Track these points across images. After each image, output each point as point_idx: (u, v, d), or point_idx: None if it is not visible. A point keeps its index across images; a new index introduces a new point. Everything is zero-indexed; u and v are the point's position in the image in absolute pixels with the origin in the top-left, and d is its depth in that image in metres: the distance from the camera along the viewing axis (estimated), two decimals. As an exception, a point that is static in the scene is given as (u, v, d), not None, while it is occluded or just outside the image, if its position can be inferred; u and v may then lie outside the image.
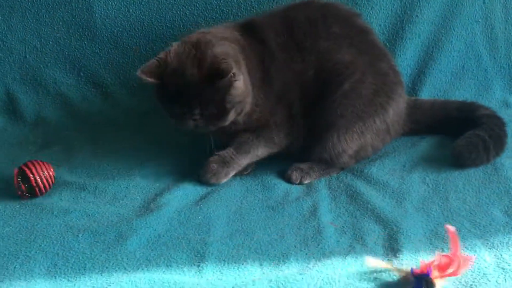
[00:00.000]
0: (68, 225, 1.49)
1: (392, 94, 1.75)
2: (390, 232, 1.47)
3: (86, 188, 1.64)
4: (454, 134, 1.80)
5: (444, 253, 1.30)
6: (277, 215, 1.54)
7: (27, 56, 2.06)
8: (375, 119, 1.73)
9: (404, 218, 1.52)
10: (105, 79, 2.07)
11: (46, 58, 2.06)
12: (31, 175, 1.56)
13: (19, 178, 1.57)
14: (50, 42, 2.06)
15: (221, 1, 2.03)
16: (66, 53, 2.06)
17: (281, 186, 1.67)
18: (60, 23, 2.05)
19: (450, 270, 1.27)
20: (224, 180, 1.67)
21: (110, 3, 2.04)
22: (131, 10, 2.04)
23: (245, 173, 1.73)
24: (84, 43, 2.06)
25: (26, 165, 1.59)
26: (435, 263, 1.27)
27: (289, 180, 1.69)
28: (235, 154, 1.68)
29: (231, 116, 1.59)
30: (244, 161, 1.69)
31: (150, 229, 1.47)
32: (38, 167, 1.58)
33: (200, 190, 1.65)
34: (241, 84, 1.57)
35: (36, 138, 1.90)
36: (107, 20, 2.05)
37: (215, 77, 1.51)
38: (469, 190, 1.62)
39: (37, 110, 2.02)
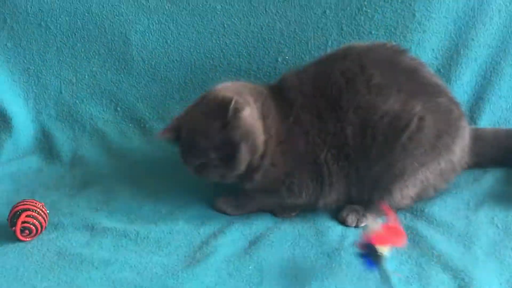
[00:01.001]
0: (110, 279, 1.38)
1: (457, 131, 1.59)
2: (461, 283, 1.34)
3: (127, 235, 1.54)
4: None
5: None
6: (334, 264, 1.42)
7: (63, 92, 1.98)
8: (440, 161, 1.57)
9: (475, 266, 1.39)
10: (143, 114, 1.98)
11: (81, 93, 1.98)
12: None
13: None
14: (86, 76, 1.98)
15: (263, 29, 1.93)
16: (103, 87, 1.98)
17: (336, 229, 1.55)
18: (96, 56, 1.97)
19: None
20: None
21: (147, 34, 1.95)
22: (169, 42, 1.96)
23: (293, 214, 1.61)
24: (121, 76, 1.98)
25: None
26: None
27: (344, 223, 1.57)
28: None
29: (245, 154, 1.48)
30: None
31: (198, 281, 1.37)
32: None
33: (249, 235, 1.54)
34: (248, 114, 1.49)
35: (73, 179, 1.80)
36: (144, 52, 1.96)
37: (218, 111, 1.46)
38: (545, 232, 1.48)
39: (73, 148, 1.93)
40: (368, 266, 1.32)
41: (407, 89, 1.55)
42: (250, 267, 1.41)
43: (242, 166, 1.50)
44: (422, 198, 1.62)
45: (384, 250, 1.31)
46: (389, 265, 1.39)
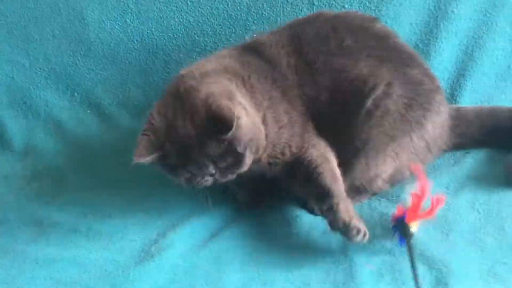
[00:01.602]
0: (54, 278, 1.27)
1: (429, 105, 1.48)
2: (438, 275, 1.23)
3: (78, 230, 1.42)
4: (505, 147, 1.54)
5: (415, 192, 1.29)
6: (300, 257, 1.31)
7: (15, 77, 1.84)
8: (412, 136, 1.46)
9: (453, 255, 1.28)
10: (102, 99, 1.85)
11: (35, 77, 1.84)
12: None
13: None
14: (40, 60, 1.84)
15: (229, 6, 1.80)
16: (58, 71, 1.84)
17: (304, 218, 1.44)
18: (50, 38, 1.83)
19: (422, 210, 1.29)
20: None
21: (105, 13, 1.81)
22: (128, 21, 1.82)
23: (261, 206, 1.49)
24: (78, 59, 1.84)
25: None
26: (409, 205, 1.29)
27: (313, 212, 1.45)
28: None
29: (249, 159, 1.31)
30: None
31: (150, 280, 1.25)
32: None
33: (211, 226, 1.42)
34: (246, 120, 1.29)
35: (25, 170, 1.68)
36: (102, 32, 1.82)
37: (215, 126, 1.23)
38: (529, 216, 1.36)
39: (26, 137, 1.80)
40: (399, 241, 1.29)
41: (377, 55, 1.45)
42: (208, 263, 1.31)
43: (245, 168, 1.33)
44: (397, 180, 1.50)
45: (415, 226, 1.28)
46: (360, 256, 1.30)
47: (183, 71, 1.43)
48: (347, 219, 1.29)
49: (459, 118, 1.59)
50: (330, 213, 1.32)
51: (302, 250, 1.33)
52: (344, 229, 1.28)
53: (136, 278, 1.25)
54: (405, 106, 1.44)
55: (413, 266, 1.22)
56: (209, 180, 1.31)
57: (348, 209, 1.32)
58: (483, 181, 1.50)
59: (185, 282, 1.25)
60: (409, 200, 1.30)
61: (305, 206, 1.47)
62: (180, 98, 1.30)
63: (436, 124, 1.50)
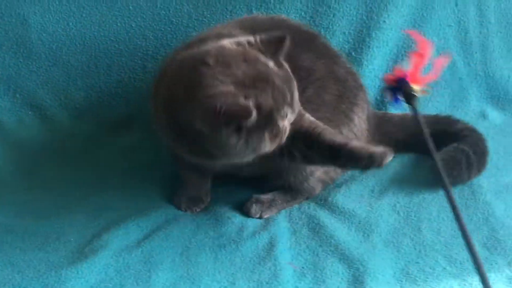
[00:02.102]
0: (-14, 278, 1.29)
1: (355, 99, 1.58)
2: (355, 273, 1.31)
3: (14, 231, 1.45)
4: (428, 152, 1.63)
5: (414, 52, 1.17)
6: (228, 256, 1.37)
7: (-47, 78, 1.86)
8: (342, 130, 1.55)
9: (371, 255, 1.35)
10: (43, 101, 1.87)
11: (-25, 79, 1.86)
12: None
13: None
14: (-20, 61, 1.86)
15: (170, 12, 1.84)
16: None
17: (236, 220, 1.49)
18: (-9, 39, 1.85)
19: (424, 72, 1.16)
20: None
21: (47, 16, 1.84)
22: (70, 24, 1.85)
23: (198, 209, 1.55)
24: (19, 60, 1.86)
25: None
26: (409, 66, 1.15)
27: (248, 214, 1.51)
28: None
29: None
30: None
31: (81, 280, 1.29)
32: None
33: (145, 227, 1.46)
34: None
35: (-38, 171, 1.70)
36: (44, 34, 1.85)
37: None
38: (444, 218, 1.45)
39: (-36, 138, 1.81)
40: (395, 103, 1.21)
41: (314, 51, 1.54)
42: (140, 263, 1.35)
43: None
44: (331, 179, 1.59)
45: (418, 90, 1.19)
46: (285, 257, 1.36)
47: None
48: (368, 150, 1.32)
49: (385, 120, 1.70)
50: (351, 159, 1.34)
51: (231, 250, 1.38)
52: (371, 161, 1.32)
53: (68, 278, 1.29)
54: (336, 98, 1.53)
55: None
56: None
57: (361, 144, 1.37)
58: (406, 184, 1.58)
59: (116, 281, 1.29)
60: (409, 61, 1.21)
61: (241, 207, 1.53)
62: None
63: (362, 119, 1.60)
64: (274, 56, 1.28)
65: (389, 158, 1.32)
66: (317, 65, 1.53)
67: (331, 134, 1.39)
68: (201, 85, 1.22)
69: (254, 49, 1.28)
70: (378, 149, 1.33)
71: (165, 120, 1.34)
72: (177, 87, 1.28)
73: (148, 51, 1.87)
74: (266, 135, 1.26)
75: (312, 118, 1.42)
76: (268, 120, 1.25)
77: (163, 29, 1.86)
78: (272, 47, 1.28)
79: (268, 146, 1.28)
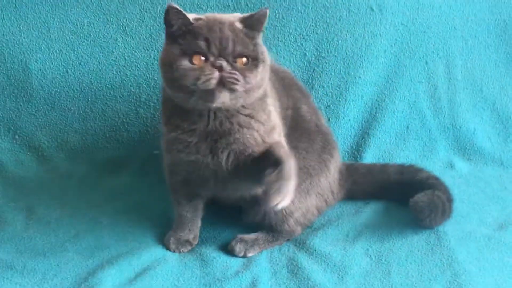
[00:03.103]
0: (-11, 313, 1.39)
1: (333, 151, 1.75)
2: (330, 314, 1.42)
3: (14, 267, 1.55)
4: (396, 199, 1.78)
5: None
6: (214, 295, 1.48)
7: (-42, 119, 1.97)
8: (320, 178, 1.71)
9: (345, 296, 1.48)
10: (41, 142, 2.00)
11: (-22, 121, 1.97)
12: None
13: None
14: (-17, 104, 1.98)
15: (163, 62, 1.98)
16: (1, 115, 1.99)
17: (220, 259, 1.61)
18: (-6, 84, 1.97)
19: None
20: None
21: (48, 63, 1.97)
22: (69, 71, 1.98)
23: (185, 250, 1.65)
24: (20, 104, 1.99)
25: None
26: None
27: (232, 253, 1.63)
28: None
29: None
30: None
31: (79, 316, 1.39)
32: None
33: (136, 266, 1.57)
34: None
35: (-35, 209, 1.79)
36: (44, 80, 1.98)
37: None
38: (412, 262, 1.58)
39: (-33, 177, 1.92)
40: None
41: (308, 105, 1.73)
42: (132, 300, 1.45)
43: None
44: (309, 221, 1.71)
45: None
46: (265, 296, 1.48)
47: None
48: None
49: (354, 169, 1.84)
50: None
51: (217, 287, 1.50)
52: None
53: (66, 314, 1.39)
54: (321, 148, 1.70)
55: None
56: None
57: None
58: (379, 230, 1.71)
59: (109, 319, 1.39)
60: None
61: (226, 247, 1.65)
62: None
63: (335, 170, 1.76)
64: (255, 27, 1.42)
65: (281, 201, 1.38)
66: (312, 118, 1.71)
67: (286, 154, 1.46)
68: None
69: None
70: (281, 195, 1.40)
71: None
72: None
73: (141, 98, 2.00)
74: (185, 60, 1.37)
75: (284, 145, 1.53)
76: (194, 43, 1.37)
77: (156, 77, 1.99)
78: (255, 21, 1.42)
79: (182, 73, 1.36)
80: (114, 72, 1.99)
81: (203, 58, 1.37)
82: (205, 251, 1.64)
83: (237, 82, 1.37)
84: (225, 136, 1.47)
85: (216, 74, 1.36)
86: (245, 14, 1.44)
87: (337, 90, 2.01)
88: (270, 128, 1.52)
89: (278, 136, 1.55)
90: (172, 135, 1.50)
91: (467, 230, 1.70)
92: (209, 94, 1.37)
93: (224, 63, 1.36)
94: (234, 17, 1.45)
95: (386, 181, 1.82)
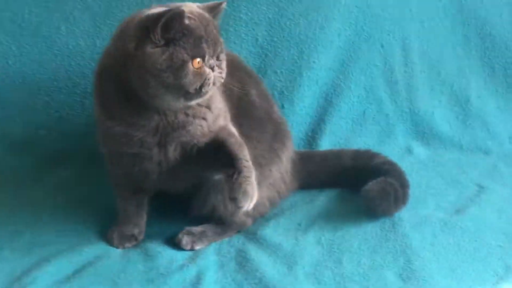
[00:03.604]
0: None
1: (285, 140, 1.69)
2: (275, 303, 1.36)
3: None
4: (352, 186, 1.72)
5: None
6: (158, 291, 1.41)
7: None
8: (272, 168, 1.64)
9: (292, 287, 1.41)
10: (-18, 135, 1.90)
11: None
12: None
13: None
14: None
15: (108, 50, 1.90)
16: None
17: (166, 253, 1.53)
18: None
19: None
20: None
21: (-13, 54, 1.88)
22: (10, 62, 1.89)
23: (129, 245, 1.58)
24: (-42, 97, 1.89)
25: None
26: None
27: (179, 246, 1.55)
28: None
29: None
30: None
31: (7, 317, 1.31)
32: None
33: (75, 263, 1.48)
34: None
35: None
36: (-17, 72, 1.89)
37: None
38: (365, 250, 1.53)
39: None
40: None
41: (258, 90, 1.64)
42: (67, 298, 1.37)
43: None
44: (260, 213, 1.64)
45: None
46: (210, 290, 1.41)
47: None
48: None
49: (308, 157, 1.78)
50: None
51: (159, 284, 1.42)
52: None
53: (-6, 315, 1.31)
54: (272, 137, 1.62)
55: None
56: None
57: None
58: (332, 218, 1.65)
59: (41, 317, 1.31)
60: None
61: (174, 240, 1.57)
62: None
63: (288, 159, 1.69)
64: (217, 17, 1.38)
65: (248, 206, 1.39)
66: (262, 104, 1.63)
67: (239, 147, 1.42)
68: (147, 10, 1.34)
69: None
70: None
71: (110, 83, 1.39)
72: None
73: (86, 89, 1.91)
74: (190, 64, 1.31)
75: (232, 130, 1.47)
76: (196, 45, 1.31)
77: (102, 67, 1.90)
78: (219, 12, 1.38)
79: (189, 78, 1.31)
80: (58, 63, 1.90)
81: (200, 59, 1.32)
82: (151, 245, 1.57)
83: (223, 79, 1.36)
84: (178, 129, 1.40)
85: (211, 74, 1.34)
86: (208, 4, 1.39)
87: (291, 76, 1.95)
88: (216, 114, 1.45)
89: (223, 120, 1.48)
90: (116, 129, 1.41)
91: (423, 215, 1.65)
92: (201, 95, 1.34)
93: (214, 62, 1.35)
94: (202, 9, 1.39)
95: (341, 168, 1.76)
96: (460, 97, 2.05)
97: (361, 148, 1.82)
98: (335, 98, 1.97)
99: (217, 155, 1.42)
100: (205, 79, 1.33)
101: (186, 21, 1.29)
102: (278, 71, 1.94)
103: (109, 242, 1.57)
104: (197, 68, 1.32)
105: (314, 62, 1.94)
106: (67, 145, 1.90)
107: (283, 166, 1.68)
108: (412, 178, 1.79)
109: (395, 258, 1.49)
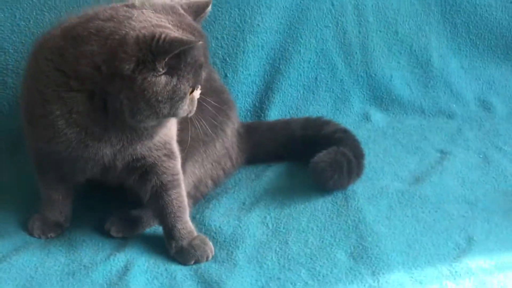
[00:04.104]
0: None
1: (229, 112, 1.54)
2: (209, 296, 1.21)
3: None
4: (302, 158, 1.56)
5: None
6: (76, 284, 1.25)
7: None
8: (216, 144, 1.50)
9: (231, 274, 1.27)
10: None
11: None
12: None
13: None
14: None
15: (31, 23, 1.71)
16: None
17: (92, 242, 1.38)
18: None
19: None
20: None
21: None
22: None
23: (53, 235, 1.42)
24: None
25: None
26: None
27: (108, 234, 1.40)
28: None
29: None
30: None
31: None
32: None
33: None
34: None
35: None
36: None
37: None
38: (314, 228, 1.39)
39: None
40: None
41: None
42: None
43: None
44: (201, 194, 1.50)
45: None
46: (138, 281, 1.26)
47: None
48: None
49: (254, 129, 1.64)
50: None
51: (80, 278, 1.27)
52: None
53: None
54: (215, 111, 1.45)
55: None
56: None
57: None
58: (279, 195, 1.52)
59: None
60: None
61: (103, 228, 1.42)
62: None
63: (233, 132, 1.55)
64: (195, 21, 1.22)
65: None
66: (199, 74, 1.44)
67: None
68: (131, 21, 1.12)
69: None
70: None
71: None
72: (90, 40, 1.14)
73: (8, 65, 1.73)
74: (188, 95, 1.17)
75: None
76: (196, 74, 1.16)
77: (23, 41, 1.72)
78: (194, 12, 1.22)
79: (185, 108, 1.18)
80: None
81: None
82: (76, 234, 1.41)
83: None
84: (137, 143, 1.26)
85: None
86: (192, 4, 1.23)
87: (234, 41, 1.78)
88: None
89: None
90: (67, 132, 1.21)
91: (379, 187, 1.52)
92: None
93: None
94: (185, 10, 1.22)
95: (290, 139, 1.61)
96: (420, 58, 1.91)
97: (312, 116, 1.67)
98: (283, 64, 1.82)
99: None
100: (192, 105, 1.21)
101: (196, 52, 1.14)
102: (219, 37, 1.78)
103: (30, 232, 1.41)
104: (190, 95, 1.19)
105: (258, 25, 1.78)
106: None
107: (228, 141, 1.54)
108: (369, 147, 1.68)
109: (346, 235, 1.36)
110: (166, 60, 1.11)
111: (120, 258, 1.32)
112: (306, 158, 1.53)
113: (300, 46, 1.82)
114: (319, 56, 1.84)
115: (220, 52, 1.77)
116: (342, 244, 1.33)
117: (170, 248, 1.33)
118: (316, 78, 1.85)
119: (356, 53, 1.87)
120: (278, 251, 1.32)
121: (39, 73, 1.19)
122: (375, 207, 1.44)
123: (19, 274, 1.28)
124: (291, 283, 1.23)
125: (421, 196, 1.47)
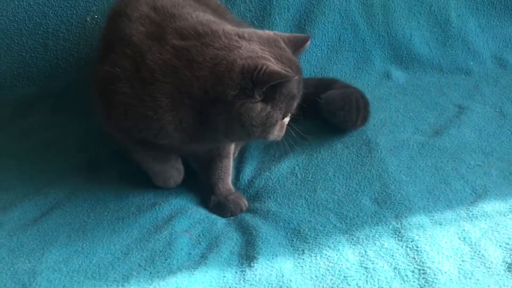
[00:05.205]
0: None
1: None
2: (248, 238, 1.32)
3: None
4: (317, 116, 1.65)
5: None
6: (125, 228, 1.37)
7: None
8: None
9: (265, 220, 1.38)
10: None
11: None
12: None
13: None
14: None
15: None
16: None
17: (137, 191, 1.49)
18: None
19: None
20: None
21: None
22: (-35, 5, 1.80)
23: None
24: None
25: None
26: None
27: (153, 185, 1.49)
28: None
29: None
30: None
31: (-28, 261, 1.27)
32: None
33: (43, 205, 1.45)
34: None
35: None
36: None
37: None
38: (340, 177, 1.49)
39: None
40: None
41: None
42: (34, 241, 1.33)
43: None
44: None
45: None
46: (181, 225, 1.37)
47: None
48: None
49: None
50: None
51: (129, 222, 1.38)
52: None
53: (-42, 259, 1.27)
54: None
55: None
56: None
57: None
58: (307, 148, 1.60)
59: (7, 260, 1.27)
60: None
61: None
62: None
63: None
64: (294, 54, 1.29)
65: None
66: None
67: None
68: (240, 50, 1.21)
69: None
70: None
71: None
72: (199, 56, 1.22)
73: (48, 29, 1.83)
74: (279, 121, 1.27)
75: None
76: (289, 104, 1.26)
77: (62, 5, 1.83)
78: (294, 46, 1.29)
79: (275, 134, 1.29)
80: (16, 3, 1.82)
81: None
82: (121, 183, 1.51)
83: None
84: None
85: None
86: (293, 38, 1.31)
87: (260, 5, 1.86)
88: None
89: None
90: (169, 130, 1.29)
91: (400, 140, 1.60)
92: None
93: None
94: (287, 43, 1.29)
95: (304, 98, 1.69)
96: (439, 18, 1.96)
97: (326, 76, 1.77)
98: (309, 25, 1.89)
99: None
100: (283, 130, 1.31)
101: (291, 85, 1.23)
102: (247, 1, 1.85)
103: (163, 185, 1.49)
104: (281, 121, 1.29)
105: (284, -12, 1.85)
106: (33, 90, 1.84)
107: None
108: (390, 103, 1.76)
109: (370, 183, 1.45)
110: (263, 89, 1.20)
111: (165, 207, 1.42)
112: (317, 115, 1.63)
113: (324, 8, 1.88)
114: (343, 17, 1.91)
115: (248, 15, 1.85)
116: (367, 191, 1.43)
117: (209, 201, 1.44)
118: (339, 38, 1.92)
119: (378, 13, 1.93)
120: (308, 198, 1.42)
121: (152, 81, 1.24)
122: (397, 157, 1.52)
123: (73, 219, 1.40)
124: (321, 225, 1.33)
125: (440, 147, 1.55)
